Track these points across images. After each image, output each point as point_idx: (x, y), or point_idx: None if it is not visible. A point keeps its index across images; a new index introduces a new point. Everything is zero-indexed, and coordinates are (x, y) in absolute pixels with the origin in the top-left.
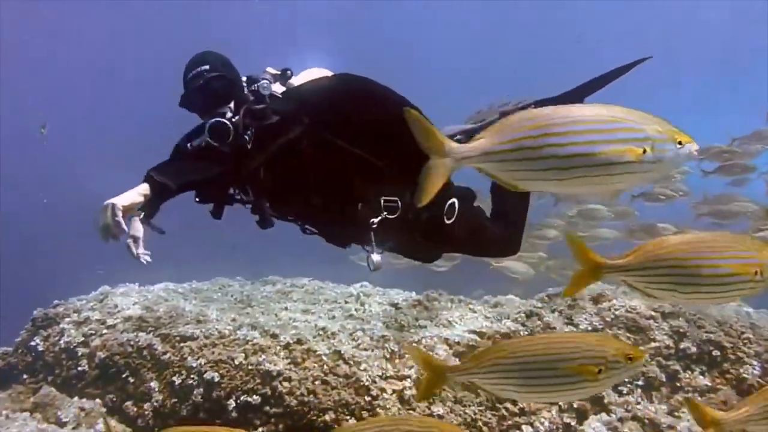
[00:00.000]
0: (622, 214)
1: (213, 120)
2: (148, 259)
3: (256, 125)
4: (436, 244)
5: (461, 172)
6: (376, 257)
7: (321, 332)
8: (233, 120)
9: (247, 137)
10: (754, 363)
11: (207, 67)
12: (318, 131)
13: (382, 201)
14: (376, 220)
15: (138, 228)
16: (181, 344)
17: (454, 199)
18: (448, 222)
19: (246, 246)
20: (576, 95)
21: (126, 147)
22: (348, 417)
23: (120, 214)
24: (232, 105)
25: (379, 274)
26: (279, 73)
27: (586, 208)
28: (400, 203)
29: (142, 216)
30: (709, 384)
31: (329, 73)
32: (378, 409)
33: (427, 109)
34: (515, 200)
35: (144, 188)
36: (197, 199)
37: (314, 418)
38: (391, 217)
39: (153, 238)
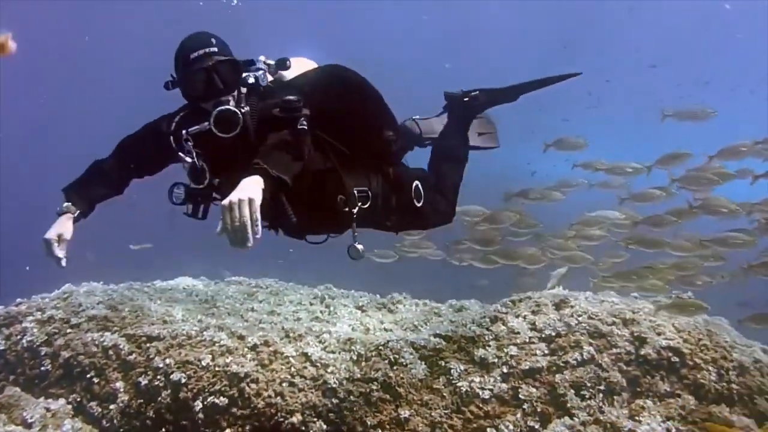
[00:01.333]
0: (688, 215)
1: (222, 108)
2: (63, 264)
3: (303, 116)
4: (409, 226)
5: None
6: (360, 246)
7: (288, 334)
8: (242, 110)
9: (304, 126)
10: (711, 369)
11: (215, 49)
12: (311, 124)
13: (356, 192)
14: (355, 210)
15: (69, 227)
16: (147, 344)
17: (417, 182)
18: (418, 205)
19: (204, 246)
20: (514, 92)
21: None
22: (315, 419)
23: (258, 213)
24: (235, 93)
25: (342, 272)
26: (273, 63)
27: (655, 216)
28: (369, 193)
29: (77, 214)
30: (669, 389)
31: (314, 64)
32: (345, 412)
33: (408, 105)
34: (452, 173)
35: (260, 182)
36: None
37: (281, 420)
38: (364, 206)
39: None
